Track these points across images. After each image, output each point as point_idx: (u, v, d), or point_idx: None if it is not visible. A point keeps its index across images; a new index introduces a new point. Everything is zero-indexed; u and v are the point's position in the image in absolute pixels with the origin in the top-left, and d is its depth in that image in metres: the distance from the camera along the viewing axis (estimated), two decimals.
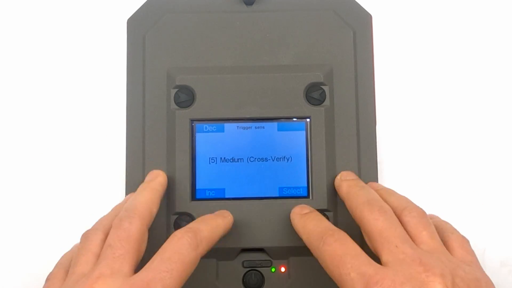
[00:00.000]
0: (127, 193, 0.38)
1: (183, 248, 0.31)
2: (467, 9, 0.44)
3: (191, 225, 0.33)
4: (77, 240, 0.33)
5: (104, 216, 0.35)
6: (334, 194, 0.38)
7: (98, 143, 0.42)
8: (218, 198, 0.38)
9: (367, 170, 0.39)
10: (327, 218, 0.38)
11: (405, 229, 0.32)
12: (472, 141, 0.42)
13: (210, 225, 0.34)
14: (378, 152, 0.39)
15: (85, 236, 0.33)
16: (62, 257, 0.35)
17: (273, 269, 0.39)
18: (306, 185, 0.39)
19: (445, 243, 0.33)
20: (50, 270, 0.34)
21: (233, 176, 0.39)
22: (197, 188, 0.38)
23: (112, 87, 0.42)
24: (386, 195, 0.35)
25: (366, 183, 0.38)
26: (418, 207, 0.33)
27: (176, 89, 0.39)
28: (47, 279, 0.33)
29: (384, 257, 0.30)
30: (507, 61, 0.43)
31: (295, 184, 0.39)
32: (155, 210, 0.34)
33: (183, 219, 0.38)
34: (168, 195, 0.38)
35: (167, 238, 0.37)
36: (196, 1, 0.41)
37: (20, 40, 0.43)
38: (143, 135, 0.39)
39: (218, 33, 0.40)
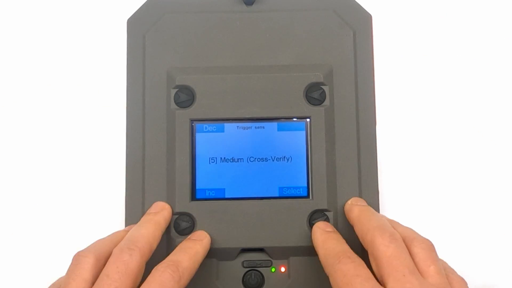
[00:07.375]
0: (127, 192, 0.38)
1: (165, 281, 0.31)
2: (467, 9, 0.44)
3: (171, 257, 0.33)
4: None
5: (100, 239, 0.35)
6: (334, 194, 0.38)
7: (98, 143, 0.42)
8: (218, 198, 0.38)
9: (367, 170, 0.39)
10: (327, 218, 0.38)
11: (413, 260, 0.32)
12: (471, 141, 0.42)
13: (189, 254, 0.34)
14: (378, 152, 0.39)
15: (76, 259, 0.32)
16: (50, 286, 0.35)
17: (273, 269, 0.39)
18: (306, 185, 0.39)
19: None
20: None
21: (233, 176, 0.39)
22: (197, 188, 0.38)
23: (112, 87, 0.42)
24: (393, 224, 0.35)
25: (366, 183, 0.38)
26: (427, 239, 0.33)
27: (176, 89, 0.39)
28: None
29: (390, 284, 0.30)
30: (508, 61, 0.43)
31: (295, 184, 0.39)
32: (155, 245, 0.34)
33: (183, 219, 0.38)
34: (168, 195, 0.38)
35: (166, 238, 0.38)
36: (196, 1, 0.41)
37: (20, 40, 0.43)
38: (143, 135, 0.39)
39: (218, 33, 0.40)
